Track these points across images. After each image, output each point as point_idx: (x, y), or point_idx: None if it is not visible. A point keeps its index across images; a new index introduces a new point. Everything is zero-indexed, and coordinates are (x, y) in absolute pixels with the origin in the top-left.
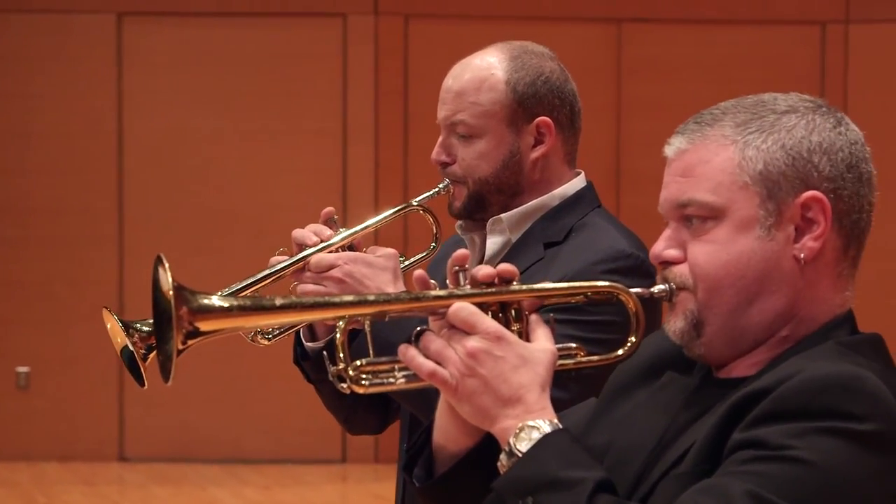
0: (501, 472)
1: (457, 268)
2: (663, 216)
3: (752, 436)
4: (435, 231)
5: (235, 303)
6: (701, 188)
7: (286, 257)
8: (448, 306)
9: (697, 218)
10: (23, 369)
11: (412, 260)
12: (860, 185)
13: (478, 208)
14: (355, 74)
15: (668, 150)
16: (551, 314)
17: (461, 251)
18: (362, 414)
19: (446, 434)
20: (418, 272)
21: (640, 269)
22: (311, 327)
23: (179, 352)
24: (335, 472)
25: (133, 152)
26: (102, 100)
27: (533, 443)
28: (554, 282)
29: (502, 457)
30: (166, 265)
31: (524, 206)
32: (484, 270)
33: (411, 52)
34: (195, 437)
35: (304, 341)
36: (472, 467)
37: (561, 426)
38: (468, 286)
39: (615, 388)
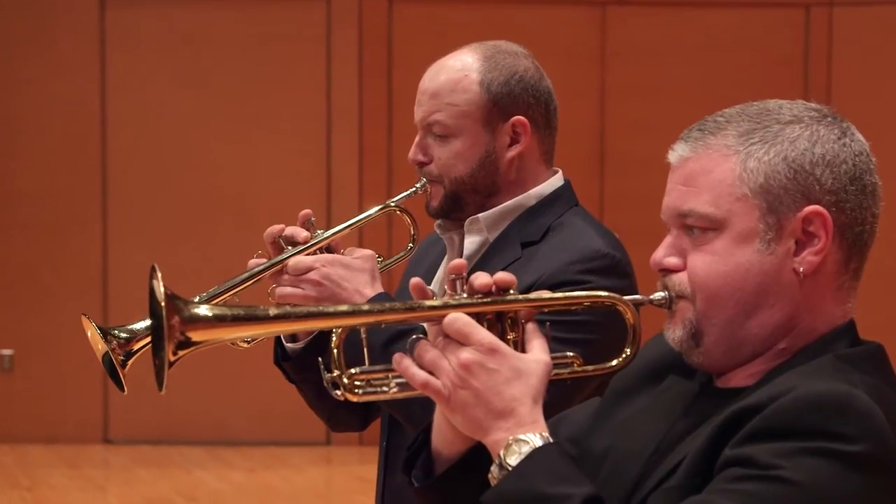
0: (492, 483)
1: (453, 276)
2: (665, 222)
3: (742, 453)
4: (412, 231)
5: (229, 312)
6: (701, 199)
7: (264, 260)
8: (443, 316)
9: (698, 228)
10: (7, 352)
11: (390, 260)
12: (863, 197)
13: (454, 208)
14: (339, 57)
15: (672, 157)
16: (547, 323)
17: (458, 261)
18: (345, 413)
19: (444, 436)
20: (415, 280)
21: (616, 268)
22: None
23: (171, 363)
24: (320, 454)
25: (117, 135)
26: (86, 83)
27: (522, 457)
28: (530, 282)
29: (493, 469)
30: (159, 275)
31: (501, 205)
32: (481, 280)
33: (395, 34)
34: (179, 420)
35: (284, 342)
36: (470, 469)
37: (552, 440)
38: (464, 295)
39: (618, 390)
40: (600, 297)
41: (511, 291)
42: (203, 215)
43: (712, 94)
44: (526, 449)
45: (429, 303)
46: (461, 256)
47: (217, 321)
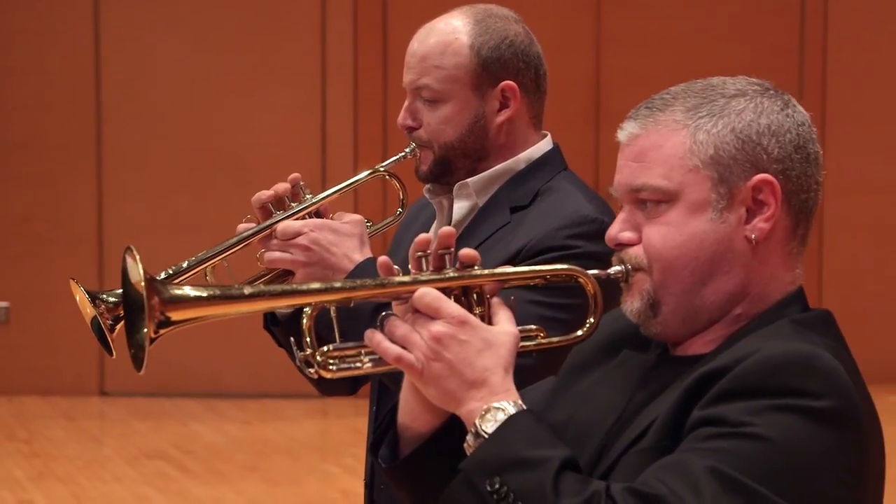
0: (468, 452)
1: (419, 253)
2: (618, 199)
3: (712, 413)
4: (401, 196)
5: (205, 293)
6: (654, 173)
7: (253, 224)
8: (412, 292)
9: (651, 202)
10: (2, 304)
11: (379, 225)
12: (808, 165)
13: (444, 173)
14: (334, 9)
15: (621, 135)
16: (512, 297)
17: (423, 236)
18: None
19: (411, 413)
20: (382, 258)
21: (604, 233)
22: None
23: (152, 340)
24: (315, 406)
25: (111, 87)
26: (79, 33)
27: (498, 423)
28: (519, 247)
29: (469, 438)
30: (137, 256)
31: (490, 170)
32: (465, 252)
33: None
34: (175, 372)
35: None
36: (438, 447)
37: (525, 407)
38: (431, 271)
39: (574, 365)
40: (561, 269)
41: (476, 267)
42: (198, 168)
43: (707, 47)
44: (501, 416)
45: (398, 279)
46: (450, 221)
47: (195, 300)
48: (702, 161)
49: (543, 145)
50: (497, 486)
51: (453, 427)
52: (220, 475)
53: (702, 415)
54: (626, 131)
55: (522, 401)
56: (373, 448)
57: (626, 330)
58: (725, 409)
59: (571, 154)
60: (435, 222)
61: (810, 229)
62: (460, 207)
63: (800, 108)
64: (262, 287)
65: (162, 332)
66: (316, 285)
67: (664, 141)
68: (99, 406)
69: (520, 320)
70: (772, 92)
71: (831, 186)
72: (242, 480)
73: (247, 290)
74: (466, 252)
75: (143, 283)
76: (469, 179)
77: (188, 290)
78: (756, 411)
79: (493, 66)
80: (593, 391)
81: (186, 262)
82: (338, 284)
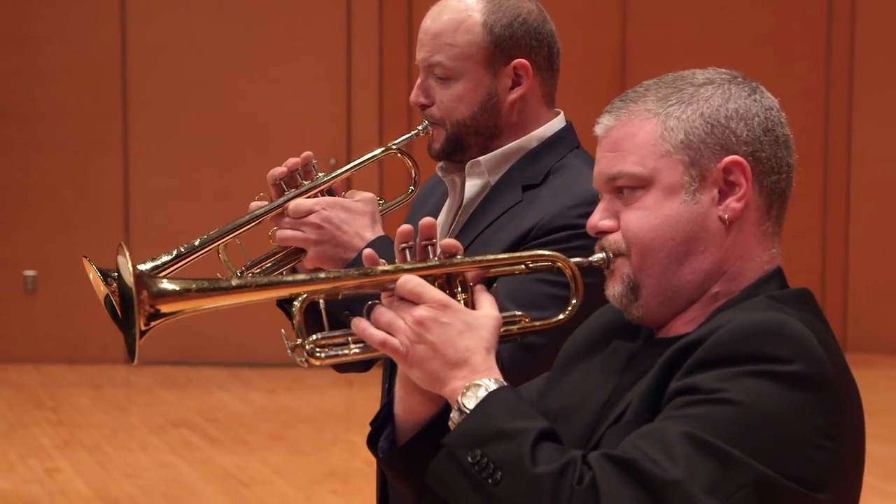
0: (451, 428)
1: (403, 244)
2: (597, 190)
3: (687, 383)
4: (413, 174)
5: (193, 285)
6: (628, 161)
7: (265, 203)
8: (396, 280)
9: (628, 188)
10: (30, 273)
11: (391, 203)
12: (777, 147)
13: (456, 150)
14: None
15: (598, 129)
16: (495, 284)
17: (404, 227)
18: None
19: (406, 405)
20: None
21: None
22: (294, 272)
23: (143, 333)
24: (340, 376)
25: (137, 57)
26: (106, 4)
27: (479, 399)
28: (530, 225)
29: (453, 414)
30: (126, 253)
31: (502, 148)
32: (446, 242)
33: None
34: (201, 341)
35: None
36: (433, 437)
37: (506, 383)
38: (414, 260)
39: (567, 357)
40: (542, 255)
41: (458, 255)
42: (223, 137)
43: (733, 16)
44: (482, 392)
45: (382, 268)
46: (462, 199)
47: (183, 293)
48: (673, 146)
49: (556, 123)
50: (478, 457)
51: (447, 416)
52: (245, 444)
53: (677, 385)
54: (602, 124)
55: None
56: (369, 441)
57: (617, 321)
58: (699, 378)
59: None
60: (448, 200)
61: (785, 211)
62: (472, 185)
63: (768, 94)
64: (250, 279)
65: (153, 324)
66: (302, 276)
67: (637, 130)
68: (125, 374)
69: (529, 299)
70: (740, 80)
71: (859, 157)
72: (267, 449)
73: (234, 282)
74: (447, 242)
75: (131, 279)
76: (481, 157)
77: (176, 284)
78: (728, 378)
79: (505, 44)
80: (584, 380)
81: (198, 240)
82: (322, 275)
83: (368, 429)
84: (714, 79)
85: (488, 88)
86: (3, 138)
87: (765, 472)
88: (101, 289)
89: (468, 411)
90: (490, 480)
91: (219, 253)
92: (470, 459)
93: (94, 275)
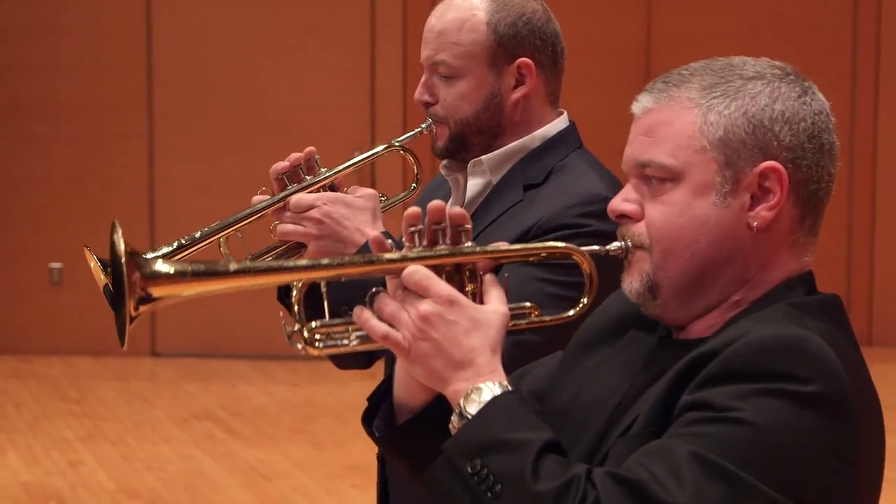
0: (452, 433)
1: (412, 228)
2: (625, 172)
3: (699, 398)
4: (416, 171)
5: (189, 268)
6: (661, 150)
7: (268, 196)
8: (402, 269)
9: (656, 178)
10: (56, 265)
11: (393, 200)
12: (820, 155)
13: (460, 149)
14: None
15: (636, 108)
16: (506, 274)
17: (413, 209)
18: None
19: (406, 386)
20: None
21: None
22: None
23: (132, 318)
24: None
25: (162, 49)
26: None
27: (482, 405)
28: (530, 224)
29: (454, 418)
30: (119, 231)
31: (505, 147)
32: (456, 210)
33: None
34: (226, 334)
35: None
36: (431, 419)
37: (510, 388)
38: (422, 247)
39: (580, 344)
40: (556, 247)
41: (469, 244)
42: (248, 129)
43: (758, 9)
44: (485, 397)
45: (387, 256)
46: (465, 198)
47: (178, 276)
48: (710, 142)
49: (559, 123)
50: (478, 468)
51: (447, 402)
52: (267, 437)
53: (689, 399)
54: (641, 104)
55: (522, 380)
56: (364, 418)
57: (634, 309)
58: (712, 394)
59: (620, 117)
60: (451, 199)
61: (821, 220)
62: (474, 184)
63: (819, 95)
64: (249, 263)
65: (143, 308)
66: (304, 262)
67: (675, 118)
68: (150, 367)
69: (526, 297)
70: (792, 77)
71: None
72: (289, 442)
73: (232, 267)
74: (455, 211)
75: (123, 259)
76: (483, 157)
77: (171, 266)
78: (742, 395)
79: (509, 43)
80: (597, 373)
81: (199, 233)
82: (325, 261)
83: None
84: (765, 73)
85: (492, 87)
86: (29, 131)
87: (775, 498)
88: (101, 278)
89: (469, 416)
90: (489, 494)
91: (220, 246)
92: (469, 469)
93: (94, 264)
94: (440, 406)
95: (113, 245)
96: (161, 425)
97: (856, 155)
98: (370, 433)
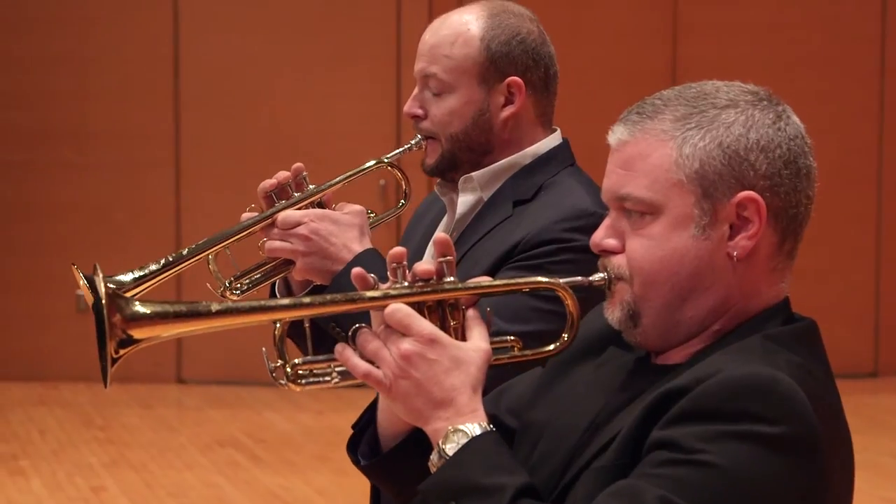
0: (431, 471)
1: (395, 264)
2: (606, 204)
3: (667, 436)
4: (404, 187)
5: (171, 309)
6: (638, 184)
7: (256, 214)
8: (383, 307)
9: (636, 212)
10: (83, 292)
11: (381, 216)
12: (798, 180)
13: (450, 166)
14: (411, 1)
15: (611, 139)
16: (489, 308)
17: (397, 249)
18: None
19: (390, 414)
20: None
21: None
22: (286, 282)
23: (114, 360)
24: None
25: (190, 77)
26: (159, 24)
27: (459, 446)
28: (517, 240)
29: (433, 456)
30: (100, 274)
31: (495, 164)
32: (422, 267)
33: None
34: (251, 361)
35: (278, 296)
36: (416, 447)
37: (490, 428)
38: (405, 283)
39: (559, 361)
40: (540, 282)
41: (451, 279)
42: (275, 157)
43: (785, 36)
44: (463, 439)
45: (369, 294)
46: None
47: (159, 317)
48: (686, 175)
49: (550, 141)
50: None
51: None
52: (291, 464)
53: (658, 436)
54: (616, 136)
55: (503, 396)
56: (349, 446)
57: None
58: (681, 433)
59: None
60: (445, 217)
61: (799, 243)
62: (465, 201)
63: (794, 119)
64: (230, 304)
65: (123, 351)
66: (286, 301)
67: (651, 151)
68: (176, 394)
69: (513, 312)
70: (765, 103)
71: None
72: (312, 470)
73: (214, 307)
74: (440, 238)
75: (103, 301)
76: (474, 173)
77: (151, 307)
78: (710, 437)
79: (501, 61)
80: (573, 393)
81: (187, 250)
82: (307, 300)
83: None
84: (738, 101)
85: (480, 104)
86: (58, 158)
87: None
88: (89, 296)
89: (447, 458)
90: None
91: (209, 263)
92: None
93: (82, 282)
94: (424, 434)
95: (94, 287)
96: (185, 452)
97: (884, 183)
98: (355, 461)
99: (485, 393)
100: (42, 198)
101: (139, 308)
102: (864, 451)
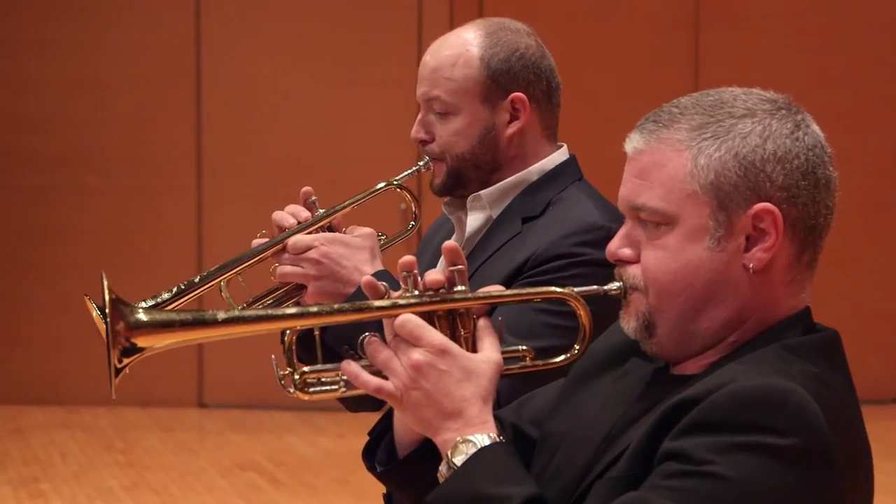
0: (440, 482)
1: (405, 273)
2: (622, 212)
3: (678, 447)
4: (413, 209)
5: (177, 318)
6: (653, 194)
7: (267, 239)
8: (391, 316)
9: (651, 222)
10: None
11: (391, 239)
12: (816, 191)
13: (457, 185)
14: (430, 23)
15: (627, 147)
16: (500, 318)
17: (407, 258)
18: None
19: (404, 423)
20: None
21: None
22: (298, 305)
23: (118, 370)
24: None
25: (211, 102)
26: (180, 49)
27: (467, 457)
28: (526, 256)
29: (442, 467)
30: (105, 282)
31: (503, 181)
32: (432, 276)
33: (486, 4)
34: (272, 385)
35: None
36: (431, 454)
37: (500, 439)
38: (415, 292)
39: (581, 372)
40: (553, 292)
41: (461, 288)
42: (296, 180)
43: (807, 59)
44: (472, 450)
45: (378, 303)
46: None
47: (164, 326)
48: (701, 186)
49: (557, 157)
50: None
51: None
52: (311, 488)
53: (669, 448)
54: (632, 144)
55: (524, 407)
56: (365, 454)
57: None
58: (691, 444)
59: None
60: (454, 236)
61: (819, 254)
62: (474, 219)
63: (814, 128)
64: (237, 312)
65: (127, 360)
66: (293, 310)
67: (666, 161)
68: (197, 417)
69: (525, 328)
70: (784, 112)
71: None
72: (332, 494)
73: (221, 316)
74: (449, 245)
75: (107, 308)
76: (482, 191)
77: (156, 316)
78: (720, 449)
79: (502, 78)
80: (592, 404)
81: (199, 277)
82: (314, 309)
83: None
84: (755, 110)
85: (486, 122)
86: (80, 183)
87: None
88: (102, 326)
89: (455, 468)
90: None
91: (221, 290)
92: None
93: (95, 313)
94: None
95: (103, 295)
96: (205, 475)
97: None
98: (371, 468)
99: (497, 405)
100: (63, 222)
101: (142, 316)
102: (887, 476)
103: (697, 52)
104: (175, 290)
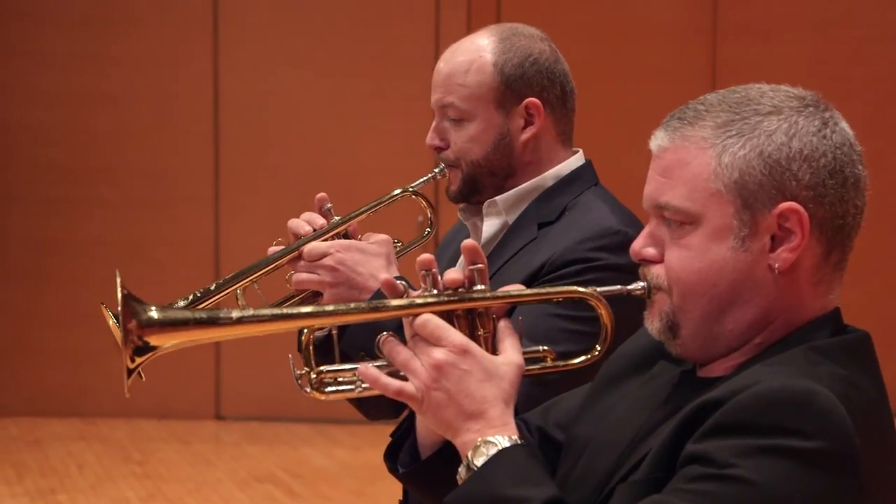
0: (459, 483)
1: (423, 271)
2: (646, 211)
3: (701, 450)
4: (429, 215)
5: (191, 316)
6: (677, 193)
7: (283, 247)
8: (409, 315)
9: (675, 221)
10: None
11: (407, 245)
12: (844, 190)
13: (473, 192)
14: (447, 38)
15: (652, 145)
16: (520, 318)
17: (425, 256)
18: (373, 400)
19: (426, 425)
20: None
21: (628, 245)
22: None
23: (130, 371)
24: None
25: (229, 114)
26: (199, 62)
27: (487, 458)
28: (542, 261)
29: (461, 469)
30: (119, 279)
31: (519, 187)
32: (451, 275)
33: (504, 15)
34: (288, 397)
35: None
36: (454, 456)
37: (520, 441)
38: (434, 291)
39: (609, 375)
40: (576, 292)
41: (480, 287)
42: (313, 193)
43: (828, 72)
44: (492, 451)
45: (395, 302)
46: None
47: (179, 324)
48: (725, 185)
49: (573, 162)
50: None
51: None
52: (327, 500)
53: (692, 450)
54: (657, 142)
55: (551, 411)
56: (387, 455)
57: None
58: (714, 447)
59: None
60: None
61: (848, 254)
62: (490, 225)
63: (842, 125)
64: (251, 311)
65: (139, 360)
66: (307, 309)
67: (690, 159)
68: (214, 430)
69: (542, 333)
70: (811, 109)
71: None
72: None
73: (235, 315)
74: (468, 244)
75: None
76: (498, 197)
77: (171, 314)
78: (744, 452)
79: (516, 84)
80: (618, 408)
81: (214, 285)
82: (330, 308)
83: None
84: (782, 107)
85: (501, 128)
86: (96, 194)
87: None
88: (119, 335)
89: (475, 469)
90: None
91: (237, 298)
92: None
93: (111, 321)
94: None
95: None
96: (222, 487)
97: None
98: (393, 469)
99: (517, 410)
100: (80, 234)
101: (154, 314)
102: None
103: (715, 62)
104: (191, 297)
